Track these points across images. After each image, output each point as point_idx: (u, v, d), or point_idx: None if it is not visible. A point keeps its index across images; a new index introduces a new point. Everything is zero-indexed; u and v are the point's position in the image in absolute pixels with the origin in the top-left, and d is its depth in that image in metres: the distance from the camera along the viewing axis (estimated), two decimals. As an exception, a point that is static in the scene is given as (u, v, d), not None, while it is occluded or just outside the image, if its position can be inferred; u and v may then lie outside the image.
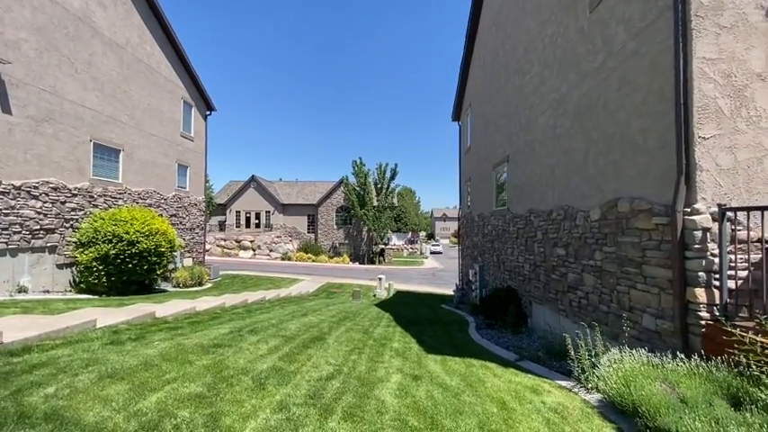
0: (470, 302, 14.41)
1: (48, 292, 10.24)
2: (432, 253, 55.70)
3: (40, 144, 10.26)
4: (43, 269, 10.45)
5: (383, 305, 14.27)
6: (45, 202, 10.37)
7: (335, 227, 41.44)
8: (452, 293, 21.30)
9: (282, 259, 36.60)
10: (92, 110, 12.03)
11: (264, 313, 8.37)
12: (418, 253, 60.45)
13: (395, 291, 19.93)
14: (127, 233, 11.12)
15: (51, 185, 10.57)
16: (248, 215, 41.70)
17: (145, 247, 11.41)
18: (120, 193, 13.28)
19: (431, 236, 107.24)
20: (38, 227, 10.17)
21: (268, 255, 37.32)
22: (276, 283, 20.72)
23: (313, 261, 36.09)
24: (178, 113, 17.04)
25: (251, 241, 38.26)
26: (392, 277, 28.05)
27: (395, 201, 41.51)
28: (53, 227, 10.64)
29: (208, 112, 19.67)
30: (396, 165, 39.64)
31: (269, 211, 41.95)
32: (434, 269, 36.57)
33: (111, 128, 12.91)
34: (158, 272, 12.55)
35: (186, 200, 17.87)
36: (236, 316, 7.74)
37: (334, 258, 37.65)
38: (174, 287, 15.49)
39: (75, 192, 11.39)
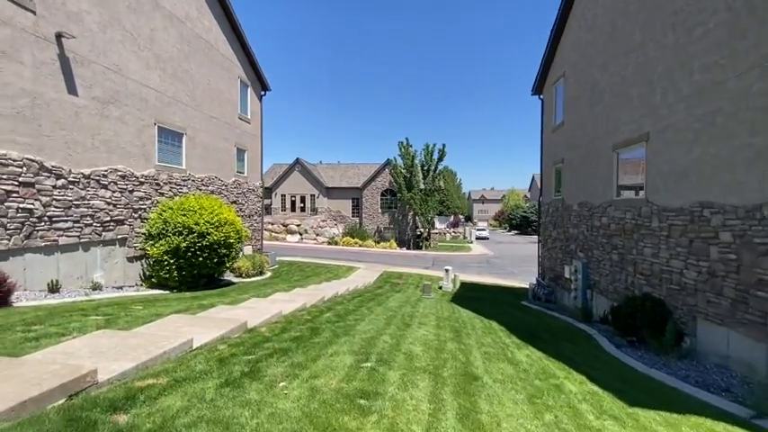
0: (562, 303, 12.80)
1: (121, 288, 9.60)
2: (477, 238, 53.00)
3: (107, 128, 9.45)
4: (114, 263, 9.82)
5: (462, 302, 12.94)
6: (114, 192, 9.64)
7: (380, 211, 40.32)
8: (523, 286, 19.62)
9: (329, 244, 36.00)
10: (155, 90, 11.13)
11: (358, 319, 7.21)
12: (461, 237, 58.51)
13: (459, 282, 18.53)
14: (197, 224, 10.27)
15: (119, 173, 9.81)
16: (293, 199, 41.30)
17: (215, 239, 10.56)
18: (183, 180, 12.50)
19: (468, 218, 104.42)
20: (108, 218, 9.47)
21: (315, 239, 36.85)
22: (334, 271, 19.85)
23: (360, 246, 35.25)
24: (236, 94, 16.05)
25: (297, 225, 37.89)
26: (445, 264, 26.69)
27: (441, 183, 39.71)
28: (123, 217, 9.94)
29: (263, 93, 18.62)
30: (444, 145, 37.69)
31: (313, 195, 41.34)
32: (485, 255, 34.81)
33: (174, 110, 12.03)
34: (227, 264, 11.77)
35: (245, 185, 17.07)
36: (330, 325, 6.61)
37: (381, 244, 36.65)
38: (237, 277, 14.84)
39: (143, 179, 10.63)
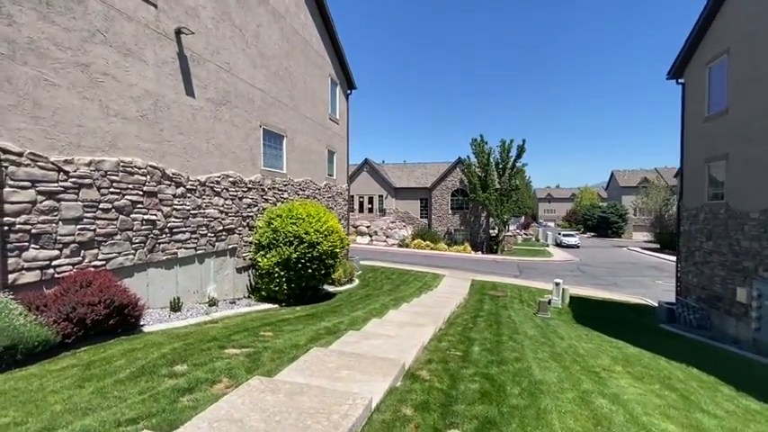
0: (722, 330, 10.38)
1: (234, 303, 8.96)
2: (564, 246, 43.35)
3: (220, 131, 8.84)
4: (225, 275, 9.23)
5: (592, 324, 10.96)
6: (226, 199, 9.02)
7: (450, 212, 38.48)
8: (639, 302, 16.88)
9: (400, 246, 34.91)
10: (261, 90, 10.47)
11: (519, 359, 5.70)
12: (533, 239, 54.82)
13: (568, 296, 16.35)
14: (307, 233, 9.41)
15: (230, 179, 9.19)
16: (361, 199, 40.80)
17: (325, 248, 9.65)
18: (285, 185, 11.82)
19: (534, 219, 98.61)
20: (221, 227, 8.87)
21: (385, 241, 35.97)
22: (420, 279, 18.56)
23: (431, 249, 33.75)
24: (327, 93, 15.27)
25: (367, 227, 37.26)
26: (531, 273, 24.36)
27: (518, 182, 36.99)
28: (233, 226, 9.32)
29: (349, 91, 17.77)
30: (523, 141, 34.98)
31: (381, 196, 40.52)
32: (573, 262, 31.71)
33: (276, 111, 11.35)
34: (332, 275, 10.89)
35: (334, 188, 16.30)
36: (495, 368, 5.21)
37: (454, 247, 34.84)
38: (330, 285, 14.05)
39: (250, 185, 9.99)
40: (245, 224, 9.78)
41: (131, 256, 6.57)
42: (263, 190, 10.58)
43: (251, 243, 9.92)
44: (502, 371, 5.18)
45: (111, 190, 6.18)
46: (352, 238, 36.09)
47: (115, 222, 6.26)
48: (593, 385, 4.98)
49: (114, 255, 6.27)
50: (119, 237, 6.33)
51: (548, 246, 45.19)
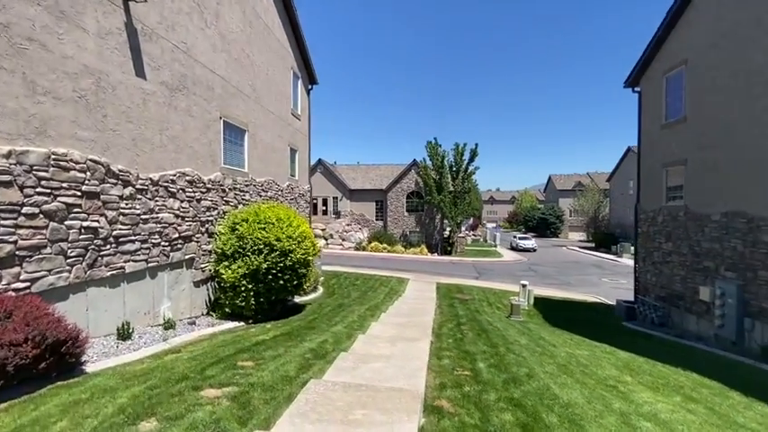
0: (684, 328, 10.92)
1: (194, 323, 7.64)
2: (521, 250, 41.52)
3: (175, 122, 7.52)
4: (182, 290, 7.88)
5: (566, 325, 11.03)
6: (182, 201, 7.70)
7: (406, 214, 38.40)
8: (596, 301, 17.52)
9: (356, 249, 34.06)
10: (221, 78, 9.21)
11: (530, 377, 5.28)
12: (481, 240, 56.67)
13: (533, 297, 16.61)
14: (278, 240, 8.34)
15: (188, 178, 7.87)
16: (315, 201, 39.34)
17: (298, 257, 8.65)
18: (246, 185, 10.57)
19: (479, 220, 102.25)
20: (176, 235, 7.54)
21: (341, 244, 34.91)
22: (386, 284, 17.93)
23: (388, 252, 33.32)
24: (289, 86, 14.13)
25: (322, 229, 35.94)
26: (489, 274, 24.80)
27: (473, 184, 37.84)
28: (191, 233, 8.00)
29: (311, 86, 16.69)
30: (476, 145, 35.81)
31: (336, 197, 39.40)
32: (523, 262, 32.93)
33: (238, 102, 10.11)
34: (304, 286, 9.87)
35: (297, 190, 15.15)
36: (516, 389, 4.73)
37: (411, 249, 34.72)
38: (297, 295, 12.98)
39: (210, 185, 8.70)
40: (203, 230, 8.48)
41: (66, 274, 5.18)
42: (224, 191, 9.31)
43: (211, 252, 8.63)
44: (524, 393, 4.66)
45: (39, 190, 4.80)
46: (307, 242, 34.60)
47: (44, 231, 4.87)
48: (623, 403, 4.63)
49: (43, 273, 4.87)
50: (49, 250, 4.94)
51: (496, 246, 46.80)
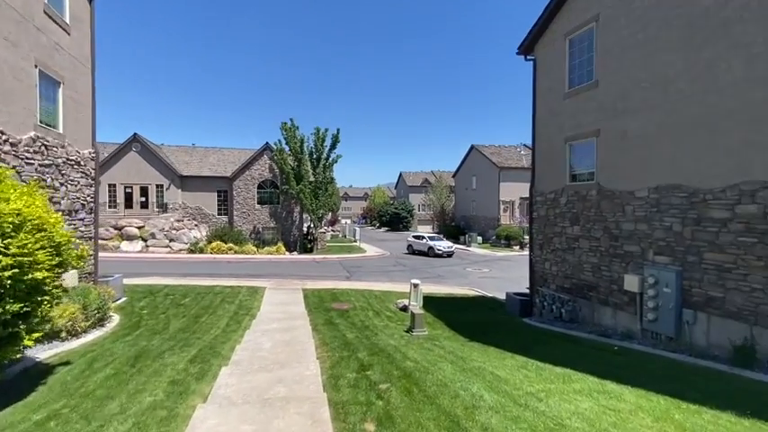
0: (599, 323, 9.51)
1: None
2: (436, 255, 29.70)
3: None
4: None
5: (471, 333, 8.31)
6: None
7: (258, 206, 32.47)
8: (476, 294, 15.91)
9: (191, 252, 26.53)
10: None
11: None
12: (341, 236, 54.19)
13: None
14: None
15: None
16: (129, 190, 29.61)
17: (12, 262, 3.29)
18: None
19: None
20: None
21: (168, 246, 26.73)
22: (231, 298, 12.68)
23: (237, 253, 27.02)
24: (35, -43, 7.67)
25: (139, 227, 26.95)
26: (360, 272, 21.72)
27: (333, 175, 34.37)
28: None
29: (95, -12, 10.17)
30: (338, 130, 32.35)
31: (161, 186, 30.50)
32: (390, 256, 31.08)
33: None
34: (46, 320, 4.39)
35: (59, 152, 8.67)
36: None
37: (265, 248, 29.10)
38: (49, 339, 7.04)
39: None
40: None
41: None
42: None
43: None
44: None
45: None
46: (113, 245, 25.32)
47: None
48: None
49: None
50: None
51: (357, 241, 44.71)
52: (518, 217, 41.64)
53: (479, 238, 40.47)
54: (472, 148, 48.19)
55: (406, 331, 9.58)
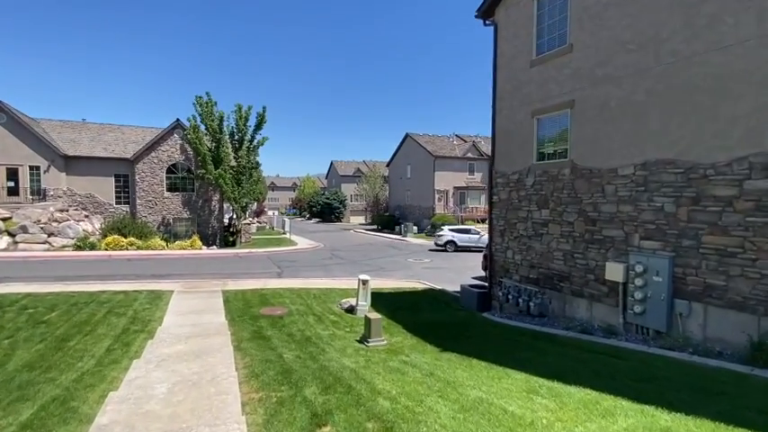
0: (570, 316, 8.52)
1: None
2: (461, 249, 25.67)
3: None
4: None
5: (435, 339, 6.75)
6: None
7: (167, 194, 27.93)
8: (424, 287, 14.50)
9: (79, 248, 21.58)
10: None
11: None
12: (268, 227, 50.31)
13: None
14: None
15: None
16: (-11, 173, 23.37)
17: None
18: None
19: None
20: None
21: (46, 242, 21.44)
22: (120, 309, 9.63)
23: (140, 248, 22.65)
24: None
25: (4, 219, 21.26)
26: (292, 267, 19.23)
27: (258, 159, 30.86)
28: None
29: None
30: (263, 108, 28.92)
31: (38, 167, 24.64)
32: (322, 248, 28.74)
33: None
34: None
35: None
36: None
37: (177, 242, 24.96)
38: None
39: None
40: None
41: None
42: None
43: None
44: None
45: None
46: (-36, 242, 19.55)
47: None
48: None
49: None
50: None
51: (287, 233, 41.46)
52: (452, 206, 41.80)
53: (415, 228, 39.81)
54: (407, 136, 47.32)
55: (360, 341, 7.65)
